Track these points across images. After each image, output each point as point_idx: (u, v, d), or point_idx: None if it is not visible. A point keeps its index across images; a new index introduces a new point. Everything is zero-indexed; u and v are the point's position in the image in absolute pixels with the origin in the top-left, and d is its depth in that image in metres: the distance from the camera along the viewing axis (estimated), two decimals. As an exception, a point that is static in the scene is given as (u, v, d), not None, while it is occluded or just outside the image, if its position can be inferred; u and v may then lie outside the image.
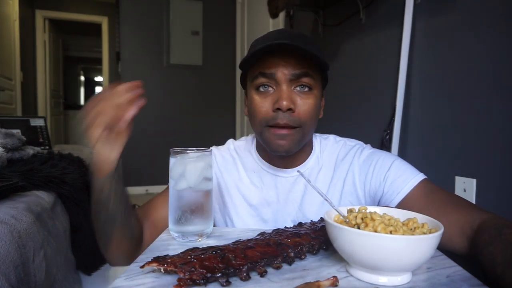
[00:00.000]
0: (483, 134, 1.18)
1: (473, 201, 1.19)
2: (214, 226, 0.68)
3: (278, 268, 0.49)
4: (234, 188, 0.78)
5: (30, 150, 1.46)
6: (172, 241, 0.61)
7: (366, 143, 0.81)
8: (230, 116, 3.75)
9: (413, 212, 0.52)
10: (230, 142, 0.85)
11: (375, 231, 0.45)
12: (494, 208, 0.63)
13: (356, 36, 1.88)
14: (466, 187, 1.23)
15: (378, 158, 0.73)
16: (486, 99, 1.17)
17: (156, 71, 3.53)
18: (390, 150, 1.51)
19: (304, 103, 0.66)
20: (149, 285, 0.44)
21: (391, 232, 0.44)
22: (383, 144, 1.58)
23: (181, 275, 0.43)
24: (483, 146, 1.18)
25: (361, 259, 0.44)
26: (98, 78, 7.94)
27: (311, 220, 0.64)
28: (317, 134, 0.81)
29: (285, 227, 0.60)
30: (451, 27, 1.31)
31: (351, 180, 0.74)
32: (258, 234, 0.57)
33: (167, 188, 0.73)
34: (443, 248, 0.58)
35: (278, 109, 0.65)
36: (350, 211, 0.53)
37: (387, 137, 1.56)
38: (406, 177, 0.68)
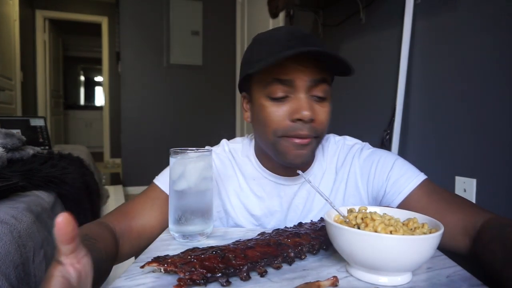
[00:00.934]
0: (483, 134, 1.18)
1: (473, 201, 1.19)
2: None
3: (278, 268, 0.49)
4: (235, 196, 0.74)
5: (30, 150, 1.46)
6: (172, 241, 0.61)
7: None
8: (230, 116, 3.75)
9: (413, 212, 0.52)
10: (224, 143, 0.80)
11: (375, 231, 0.45)
12: (494, 208, 0.63)
13: (356, 36, 1.88)
14: (466, 187, 1.23)
15: (379, 158, 0.72)
16: (486, 99, 1.17)
17: (156, 71, 3.53)
18: (390, 150, 1.51)
19: (321, 112, 0.63)
20: (149, 285, 0.44)
21: (391, 232, 0.44)
22: (383, 144, 1.58)
23: (181, 275, 0.43)
24: (483, 146, 1.18)
25: (361, 259, 0.44)
26: (98, 78, 7.93)
27: (311, 220, 0.64)
28: None
29: (285, 227, 0.60)
30: (451, 27, 1.31)
31: (353, 182, 0.73)
32: (258, 234, 0.57)
33: (147, 191, 0.71)
34: (445, 247, 0.58)
35: (298, 119, 0.61)
36: (350, 211, 0.53)
37: (387, 137, 1.56)
38: (409, 177, 0.68)
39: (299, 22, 2.45)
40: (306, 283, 0.43)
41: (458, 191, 1.26)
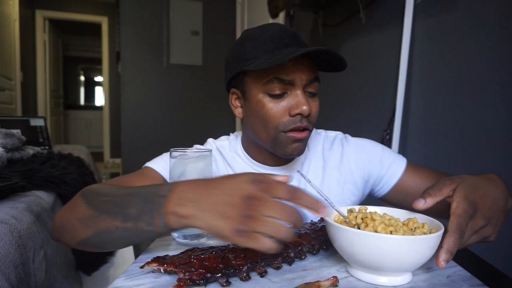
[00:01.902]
0: (484, 134, 1.18)
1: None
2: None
3: (278, 268, 0.49)
4: None
5: (30, 150, 1.46)
6: (172, 241, 0.61)
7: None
8: (230, 116, 3.75)
9: (413, 212, 0.52)
10: (211, 141, 0.82)
11: (375, 231, 0.45)
12: (494, 208, 0.63)
13: (356, 36, 1.88)
14: (466, 187, 1.23)
15: (368, 145, 0.79)
16: (487, 99, 1.17)
17: (156, 71, 3.53)
18: (390, 150, 1.51)
19: (314, 106, 0.68)
20: (149, 285, 0.44)
21: (391, 232, 0.44)
22: (383, 144, 1.58)
23: (181, 275, 0.43)
24: (484, 146, 1.18)
25: (361, 259, 0.44)
26: (98, 78, 7.93)
27: (311, 220, 0.64)
28: None
29: (285, 227, 0.60)
30: (451, 27, 1.31)
31: (347, 168, 0.77)
32: (258, 234, 0.57)
33: (142, 172, 0.70)
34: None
35: (298, 114, 0.65)
36: (350, 211, 0.53)
37: (387, 137, 1.56)
38: (399, 161, 0.76)
39: (299, 22, 2.45)
40: (306, 283, 0.43)
41: (458, 191, 1.25)
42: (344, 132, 0.86)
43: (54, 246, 1.01)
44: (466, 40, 1.25)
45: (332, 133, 0.83)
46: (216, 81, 3.70)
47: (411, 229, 0.47)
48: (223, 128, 3.75)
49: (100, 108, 6.54)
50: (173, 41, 3.46)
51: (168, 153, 0.65)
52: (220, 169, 0.77)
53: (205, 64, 3.62)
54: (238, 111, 0.74)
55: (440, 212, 0.50)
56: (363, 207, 0.53)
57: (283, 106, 0.65)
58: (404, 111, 1.50)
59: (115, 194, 0.50)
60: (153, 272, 0.47)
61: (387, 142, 1.56)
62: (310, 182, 0.54)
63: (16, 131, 1.50)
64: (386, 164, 0.75)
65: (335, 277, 0.44)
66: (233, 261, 0.46)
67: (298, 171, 0.58)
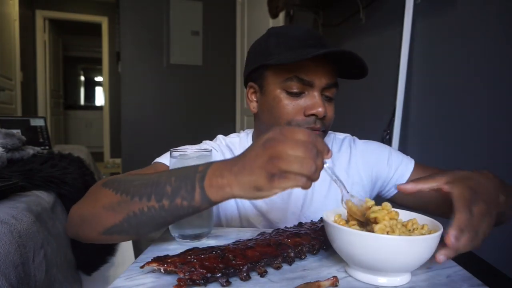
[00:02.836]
0: (484, 134, 1.18)
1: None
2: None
3: (278, 268, 0.49)
4: None
5: (30, 150, 1.46)
6: (172, 241, 0.61)
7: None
8: (230, 116, 3.75)
9: (413, 213, 0.52)
10: (221, 138, 0.82)
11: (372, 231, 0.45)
12: (494, 208, 0.63)
13: (356, 36, 1.88)
14: (466, 187, 1.23)
15: (376, 147, 0.79)
16: (487, 99, 1.17)
17: (156, 71, 3.53)
18: (390, 150, 1.51)
19: (330, 110, 0.69)
20: (149, 285, 0.44)
21: (387, 233, 0.44)
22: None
23: (181, 275, 0.43)
24: (484, 146, 1.18)
25: (359, 259, 0.44)
26: (98, 78, 7.93)
27: (311, 220, 0.64)
28: None
29: (285, 227, 0.60)
30: (451, 27, 1.31)
31: (355, 170, 0.77)
32: (258, 234, 0.57)
33: (155, 167, 0.70)
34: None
35: (312, 115, 0.65)
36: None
37: (387, 137, 1.56)
38: (406, 161, 0.76)
39: (299, 22, 2.45)
40: (306, 283, 0.43)
41: (458, 191, 1.25)
42: (344, 132, 0.86)
43: (54, 246, 1.01)
44: (466, 40, 1.25)
45: (341, 135, 0.83)
46: (216, 81, 3.70)
47: (410, 230, 0.47)
48: (223, 128, 3.74)
49: (100, 108, 6.53)
50: (173, 41, 3.46)
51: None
52: None
53: (205, 64, 3.62)
54: (253, 105, 0.74)
55: (437, 206, 0.50)
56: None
57: (299, 104, 0.66)
58: (404, 111, 1.50)
59: (146, 178, 0.50)
60: (153, 272, 0.47)
61: (387, 142, 1.56)
62: (334, 176, 0.50)
63: (16, 131, 1.50)
64: (394, 166, 0.75)
65: (335, 277, 0.44)
66: (233, 261, 0.46)
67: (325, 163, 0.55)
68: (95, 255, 1.36)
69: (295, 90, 0.65)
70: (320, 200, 0.74)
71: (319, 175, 0.42)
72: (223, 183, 0.43)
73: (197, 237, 0.61)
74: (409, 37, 1.45)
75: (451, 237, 0.41)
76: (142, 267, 0.46)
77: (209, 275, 0.43)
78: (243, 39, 3.49)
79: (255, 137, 0.79)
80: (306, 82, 0.65)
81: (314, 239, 0.54)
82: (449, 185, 0.47)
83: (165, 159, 0.71)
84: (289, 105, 0.66)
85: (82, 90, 8.09)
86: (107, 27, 5.18)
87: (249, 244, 0.50)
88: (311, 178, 0.41)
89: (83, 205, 0.55)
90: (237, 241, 0.53)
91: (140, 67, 3.50)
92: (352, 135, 0.84)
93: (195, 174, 0.46)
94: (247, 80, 0.75)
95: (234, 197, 0.44)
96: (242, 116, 3.63)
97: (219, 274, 0.44)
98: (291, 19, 2.48)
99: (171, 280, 0.45)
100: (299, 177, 0.40)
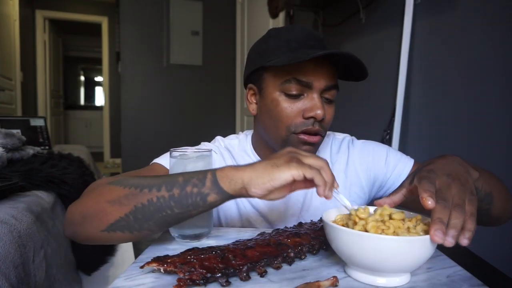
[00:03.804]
0: (484, 134, 1.18)
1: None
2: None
3: (278, 268, 0.49)
4: None
5: (30, 150, 1.46)
6: (172, 241, 0.61)
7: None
8: (230, 116, 3.75)
9: (413, 213, 0.51)
10: (219, 139, 0.81)
11: (366, 230, 0.44)
12: (494, 208, 0.63)
13: (356, 36, 1.88)
14: (466, 187, 1.23)
15: (373, 147, 0.78)
16: (487, 99, 1.17)
17: (156, 71, 3.53)
18: (390, 150, 1.51)
19: (329, 113, 0.68)
20: (149, 285, 0.44)
21: (383, 230, 0.44)
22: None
23: (181, 275, 0.43)
24: (484, 146, 1.18)
25: (358, 260, 0.44)
26: (98, 78, 7.93)
27: (311, 220, 0.64)
28: None
29: (285, 227, 0.60)
30: (451, 27, 1.31)
31: (353, 171, 0.76)
32: (258, 234, 0.57)
33: (152, 168, 0.69)
34: None
35: (311, 117, 0.65)
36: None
37: (387, 137, 1.56)
38: (404, 161, 0.75)
39: (299, 22, 2.45)
40: (306, 283, 0.43)
41: (458, 191, 1.25)
42: (344, 132, 0.86)
43: (54, 246, 1.01)
44: (466, 40, 1.25)
45: (340, 136, 0.82)
46: (216, 81, 3.70)
47: (407, 228, 0.46)
48: (222, 128, 3.75)
49: (100, 108, 6.53)
50: (173, 41, 3.46)
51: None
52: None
53: (205, 64, 3.62)
54: (253, 107, 0.73)
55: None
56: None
57: (298, 107, 0.65)
58: (404, 111, 1.50)
59: (157, 176, 0.52)
60: (153, 272, 0.47)
61: (387, 142, 1.56)
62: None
63: (16, 131, 1.50)
64: (391, 166, 0.75)
65: (335, 277, 0.44)
66: (233, 261, 0.46)
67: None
68: (95, 255, 1.36)
69: (293, 92, 0.64)
70: (318, 205, 0.74)
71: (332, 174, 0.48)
72: (237, 172, 0.47)
73: (197, 237, 0.61)
74: (409, 37, 1.45)
75: (434, 236, 0.40)
76: (142, 267, 0.46)
77: (209, 275, 0.43)
78: (243, 39, 3.49)
79: (254, 141, 0.78)
80: (305, 84, 0.64)
81: (314, 239, 0.54)
82: (413, 181, 0.48)
83: (163, 159, 0.71)
84: (288, 108, 0.65)
85: (82, 90, 8.09)
86: (107, 27, 5.18)
87: (249, 244, 0.50)
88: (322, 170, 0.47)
89: (85, 202, 0.54)
90: (237, 241, 0.53)
91: (140, 67, 3.50)
92: (352, 135, 0.84)
93: (208, 170, 0.50)
94: (247, 82, 0.74)
95: (244, 187, 0.46)
96: (242, 116, 3.63)
97: (219, 274, 0.44)
98: (291, 19, 2.48)
99: (171, 280, 0.45)
100: (313, 169, 0.46)
